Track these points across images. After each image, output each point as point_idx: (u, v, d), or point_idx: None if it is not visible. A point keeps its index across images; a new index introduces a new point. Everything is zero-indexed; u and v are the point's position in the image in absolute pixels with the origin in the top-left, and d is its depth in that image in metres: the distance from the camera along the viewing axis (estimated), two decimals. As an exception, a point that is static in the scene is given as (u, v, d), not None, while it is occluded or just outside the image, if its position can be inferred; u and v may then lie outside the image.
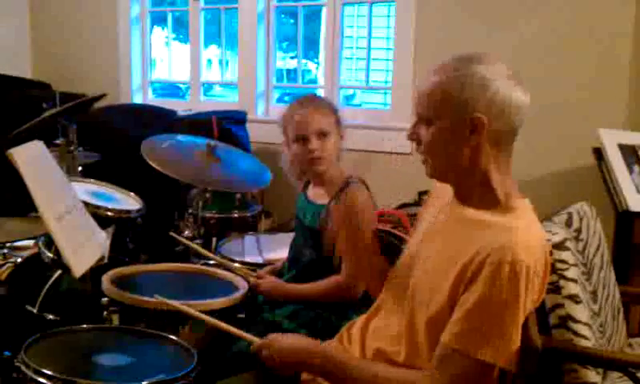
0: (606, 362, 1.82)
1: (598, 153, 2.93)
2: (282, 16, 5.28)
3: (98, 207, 2.48)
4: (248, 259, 2.58)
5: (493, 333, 1.32)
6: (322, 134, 2.17)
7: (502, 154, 1.44)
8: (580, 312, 1.79)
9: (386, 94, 4.07)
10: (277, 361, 1.55)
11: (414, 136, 1.48)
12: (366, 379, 1.45)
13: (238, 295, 2.13)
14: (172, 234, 2.75)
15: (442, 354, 1.36)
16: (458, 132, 1.40)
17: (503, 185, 1.44)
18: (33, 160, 1.91)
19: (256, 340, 1.64)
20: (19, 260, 2.53)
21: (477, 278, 1.33)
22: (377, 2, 4.16)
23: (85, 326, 1.91)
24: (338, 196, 2.14)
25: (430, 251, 1.49)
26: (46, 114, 2.93)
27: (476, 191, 1.45)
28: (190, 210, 2.98)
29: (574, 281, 1.80)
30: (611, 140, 2.87)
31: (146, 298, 2.00)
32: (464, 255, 1.37)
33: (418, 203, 3.33)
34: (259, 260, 2.57)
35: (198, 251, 2.59)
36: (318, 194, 2.25)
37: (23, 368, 1.61)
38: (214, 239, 2.83)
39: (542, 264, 1.39)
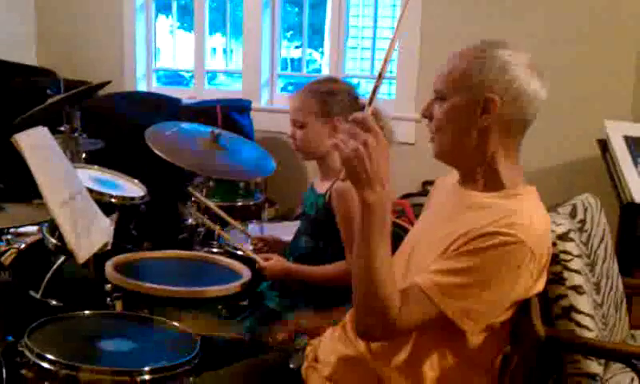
0: (608, 353, 1.82)
1: (604, 144, 2.92)
2: (287, 5, 5.26)
3: (102, 194, 2.48)
4: (251, 247, 2.58)
5: (466, 295, 1.33)
6: (297, 123, 2.15)
7: (512, 142, 1.44)
8: (583, 303, 1.79)
9: (390, 83, 4.05)
10: None
11: (427, 113, 1.48)
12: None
13: (240, 282, 2.14)
14: (191, 190, 2.74)
15: (411, 292, 1.36)
16: (470, 110, 1.40)
17: (509, 171, 1.44)
18: (37, 146, 1.92)
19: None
20: (23, 246, 2.53)
21: (469, 246, 1.34)
22: (382, -9, 4.14)
23: (88, 311, 1.91)
24: (334, 186, 2.12)
25: (431, 237, 1.48)
26: (51, 100, 2.93)
27: (481, 174, 1.45)
28: (194, 198, 2.98)
29: (578, 272, 1.80)
30: (617, 132, 2.87)
31: (148, 285, 2.01)
32: (460, 231, 1.37)
33: (422, 193, 3.34)
34: (262, 248, 2.57)
35: (215, 211, 2.53)
36: (320, 183, 2.25)
37: (26, 352, 1.62)
38: (217, 227, 2.82)
39: (544, 248, 1.39)
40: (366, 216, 1.31)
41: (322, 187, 2.22)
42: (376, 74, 4.60)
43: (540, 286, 1.43)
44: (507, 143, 1.43)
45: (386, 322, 1.34)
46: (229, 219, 2.46)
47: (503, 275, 1.33)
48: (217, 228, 2.49)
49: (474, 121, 1.41)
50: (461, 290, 1.33)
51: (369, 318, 1.36)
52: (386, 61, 1.36)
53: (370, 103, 1.34)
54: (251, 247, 2.40)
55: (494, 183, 1.44)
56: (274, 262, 2.18)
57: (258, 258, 2.22)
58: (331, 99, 2.14)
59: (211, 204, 2.56)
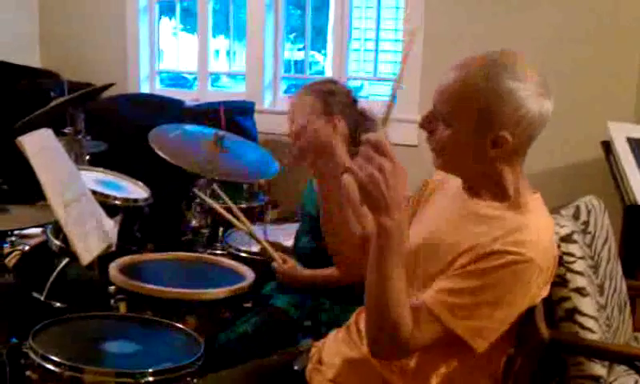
0: (611, 356, 1.82)
1: (607, 146, 2.92)
2: (290, 7, 5.27)
3: (106, 196, 2.49)
4: (254, 249, 2.59)
5: (478, 315, 1.31)
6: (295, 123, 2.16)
7: (518, 160, 1.42)
8: (586, 305, 1.79)
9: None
10: None
11: (427, 126, 1.42)
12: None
13: (243, 284, 2.14)
14: (196, 191, 2.73)
15: (420, 313, 1.33)
16: (479, 143, 1.36)
17: (515, 183, 1.42)
18: (41, 148, 1.92)
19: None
20: (27, 248, 2.54)
21: (478, 265, 1.32)
22: (385, -7, 4.15)
23: (92, 313, 1.92)
24: None
25: (435, 240, 1.47)
26: (55, 102, 2.94)
27: (486, 188, 1.43)
28: (198, 200, 2.98)
29: (581, 274, 1.80)
30: (620, 133, 2.86)
31: (152, 287, 2.01)
32: (466, 244, 1.35)
33: (424, 195, 3.33)
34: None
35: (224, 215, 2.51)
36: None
37: (31, 354, 1.62)
38: (221, 229, 2.83)
39: (551, 259, 1.38)
40: (383, 239, 1.26)
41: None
42: (378, 76, 4.59)
43: (545, 293, 1.42)
44: (513, 160, 1.41)
45: (398, 341, 1.31)
46: (235, 221, 2.45)
47: (515, 292, 1.31)
48: (241, 225, 2.46)
49: (482, 152, 1.36)
50: (471, 311, 1.31)
51: (381, 338, 1.33)
52: (398, 82, 1.33)
53: (383, 123, 1.30)
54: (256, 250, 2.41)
55: (498, 194, 1.42)
56: (290, 267, 2.19)
57: (277, 257, 2.22)
58: (332, 99, 2.16)
59: (217, 206, 2.55)
